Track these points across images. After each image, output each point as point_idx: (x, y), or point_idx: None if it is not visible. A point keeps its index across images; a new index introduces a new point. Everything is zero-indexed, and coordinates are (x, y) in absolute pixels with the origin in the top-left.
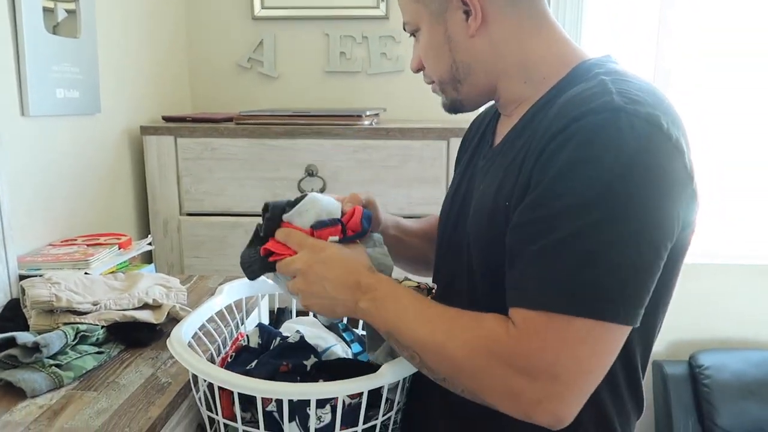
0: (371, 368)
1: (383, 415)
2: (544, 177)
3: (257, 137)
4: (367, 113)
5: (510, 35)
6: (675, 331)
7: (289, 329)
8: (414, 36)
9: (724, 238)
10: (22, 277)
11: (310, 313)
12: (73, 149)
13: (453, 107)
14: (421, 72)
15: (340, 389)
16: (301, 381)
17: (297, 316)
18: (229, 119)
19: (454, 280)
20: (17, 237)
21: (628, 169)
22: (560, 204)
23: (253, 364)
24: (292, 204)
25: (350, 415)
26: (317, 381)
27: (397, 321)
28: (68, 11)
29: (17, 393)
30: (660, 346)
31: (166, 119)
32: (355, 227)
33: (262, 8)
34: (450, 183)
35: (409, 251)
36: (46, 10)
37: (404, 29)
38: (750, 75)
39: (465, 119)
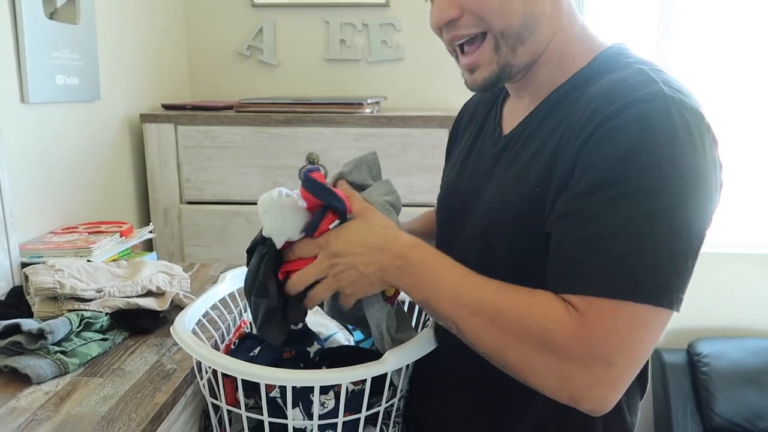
0: (374, 355)
1: (386, 402)
2: (594, 164)
3: (258, 125)
4: (368, 101)
5: (567, 5)
6: (674, 319)
7: None
8: None
9: (723, 227)
10: (24, 265)
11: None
12: (72, 136)
13: (499, 77)
14: (452, 23)
15: (344, 376)
16: (305, 368)
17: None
18: (230, 107)
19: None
20: (18, 225)
21: (682, 159)
22: (615, 191)
23: (257, 350)
24: (262, 239)
25: (353, 402)
26: (320, 368)
27: (429, 291)
28: None
29: (23, 379)
30: None
31: (166, 107)
32: (341, 196)
33: None
34: (445, 172)
35: None
36: None
37: None
38: (750, 72)
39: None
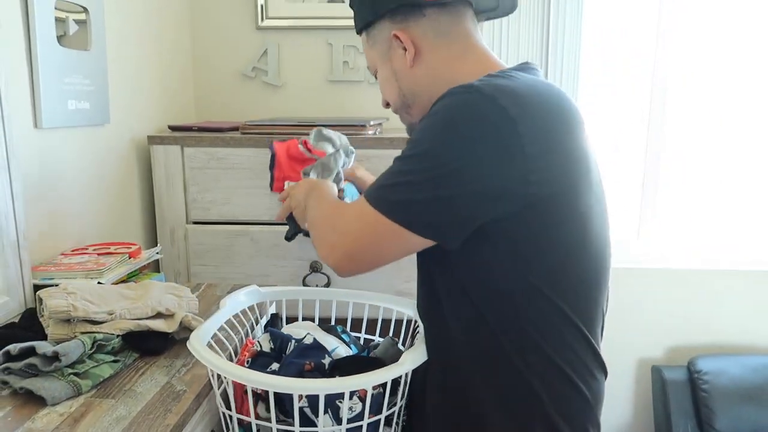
0: (377, 362)
1: (401, 401)
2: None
3: (263, 146)
4: (371, 123)
5: (442, 61)
6: (674, 336)
7: (288, 332)
8: (374, 77)
9: (723, 244)
10: (35, 287)
11: (314, 320)
12: (83, 160)
13: (411, 129)
14: (389, 108)
15: (369, 380)
16: (323, 377)
17: (287, 323)
18: (235, 128)
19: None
20: (30, 246)
21: (453, 128)
22: (407, 148)
23: (274, 365)
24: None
25: (374, 404)
26: (334, 377)
27: (312, 192)
28: (78, 22)
29: (38, 401)
30: (659, 351)
31: (173, 128)
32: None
33: (266, 18)
34: None
35: None
36: (58, 20)
37: (369, 71)
38: (747, 85)
39: None
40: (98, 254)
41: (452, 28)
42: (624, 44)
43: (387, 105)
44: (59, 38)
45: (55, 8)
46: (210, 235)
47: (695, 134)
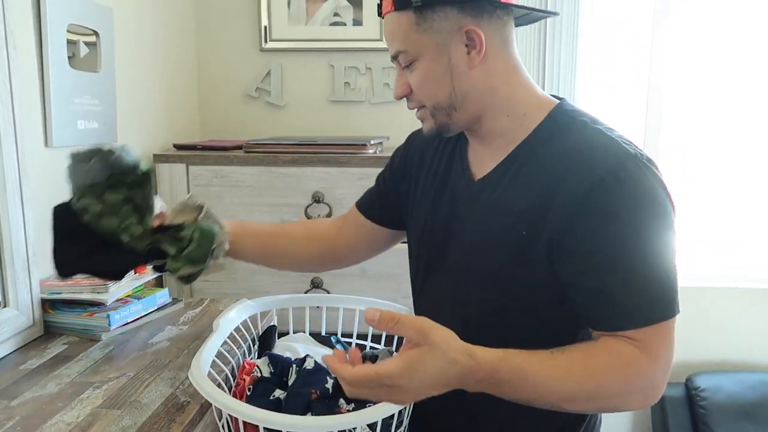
0: None
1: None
2: (597, 223)
3: (266, 165)
4: (372, 142)
5: (502, 71)
6: None
7: (284, 348)
8: (404, 66)
9: (721, 262)
10: (44, 301)
11: (305, 331)
12: None
13: (440, 131)
14: (406, 97)
15: (380, 413)
16: (327, 403)
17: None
18: (239, 147)
19: (444, 308)
20: (39, 262)
21: (658, 205)
22: (624, 244)
23: (277, 392)
24: None
25: (384, 427)
26: (338, 399)
27: (526, 392)
28: (88, 44)
29: (46, 410)
30: None
31: (178, 147)
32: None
33: (270, 40)
34: (413, 204)
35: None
36: (69, 42)
37: (395, 59)
38: (745, 91)
39: None
40: None
41: (511, 37)
42: (620, 48)
43: (404, 96)
44: (70, 60)
45: (67, 31)
46: None
47: (695, 151)
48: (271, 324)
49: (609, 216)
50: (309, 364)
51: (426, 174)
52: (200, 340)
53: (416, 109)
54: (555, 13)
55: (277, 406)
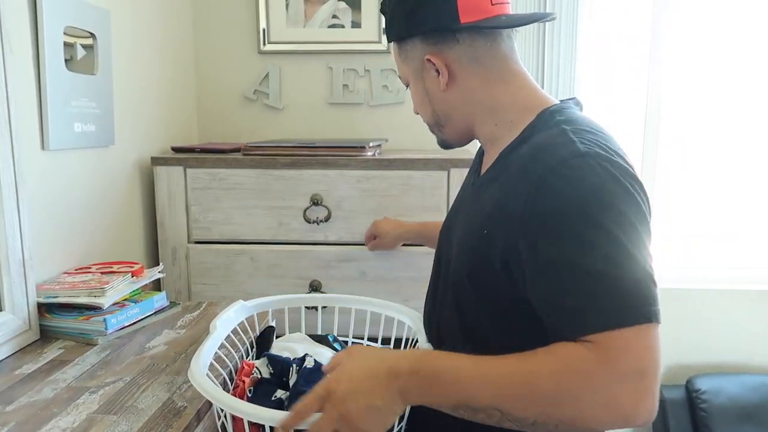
0: None
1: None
2: (540, 219)
3: (264, 167)
4: (371, 144)
5: (477, 86)
6: (672, 355)
7: (282, 348)
8: (406, 88)
9: (720, 263)
10: (40, 305)
11: (302, 331)
12: (87, 180)
13: (443, 145)
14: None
15: None
16: None
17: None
18: (237, 149)
19: (443, 306)
20: (35, 265)
21: (614, 202)
22: (573, 241)
23: (279, 392)
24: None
25: None
26: None
27: (461, 391)
28: (85, 46)
29: (42, 415)
30: None
31: (175, 149)
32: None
33: (268, 43)
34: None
35: None
36: (66, 45)
37: (400, 80)
38: (745, 95)
39: (464, 150)
40: (101, 273)
41: (488, 52)
42: (619, 44)
43: (417, 114)
44: (67, 62)
45: (64, 34)
46: (211, 254)
47: (694, 152)
48: (269, 325)
49: (552, 215)
50: (309, 363)
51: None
52: (198, 344)
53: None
54: (553, 16)
55: (279, 407)
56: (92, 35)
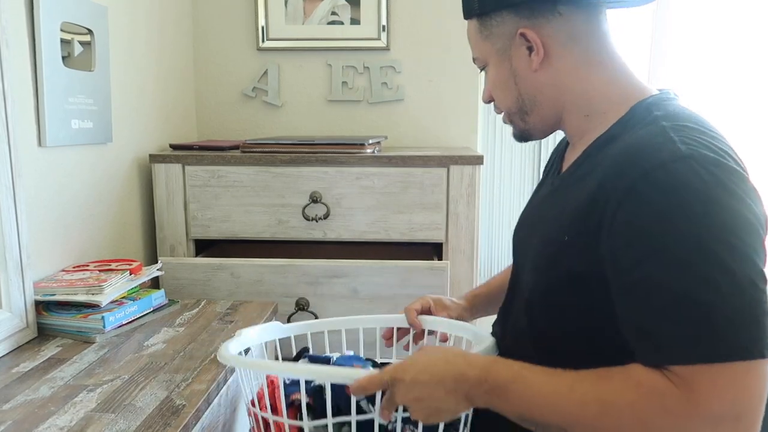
0: None
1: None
2: (631, 231)
3: (263, 165)
4: (370, 141)
5: (572, 69)
6: None
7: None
8: (483, 70)
9: None
10: (37, 303)
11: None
12: (86, 178)
13: (522, 136)
14: (492, 103)
15: None
16: None
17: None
18: (236, 147)
19: (517, 317)
20: (33, 263)
21: (720, 212)
22: (666, 258)
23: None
24: None
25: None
26: None
27: (530, 408)
28: (82, 43)
29: (39, 414)
30: None
31: (174, 147)
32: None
33: (267, 40)
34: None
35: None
36: (63, 41)
37: (474, 63)
38: (747, 98)
39: (463, 147)
40: (99, 271)
41: (587, 29)
42: (620, 43)
43: (490, 101)
44: (64, 59)
45: (61, 30)
46: (188, 270)
47: None
48: (304, 347)
49: (645, 228)
50: (349, 352)
51: (541, 180)
52: (196, 342)
53: (503, 114)
54: None
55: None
56: (89, 31)
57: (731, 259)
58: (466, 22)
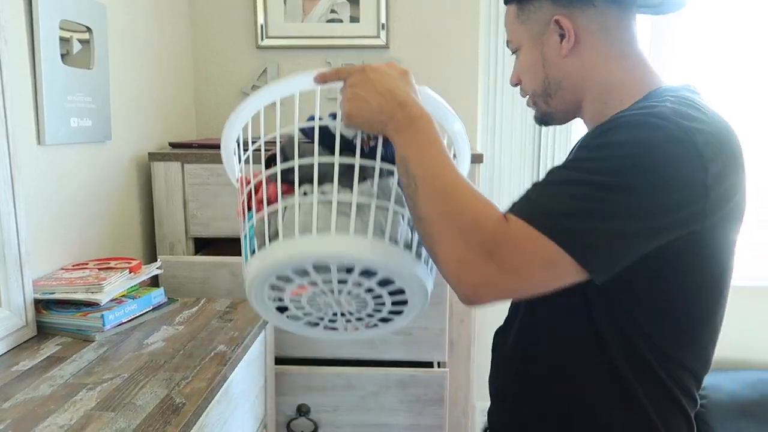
0: None
1: None
2: (581, 148)
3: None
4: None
5: (597, 58)
6: None
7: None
8: (515, 54)
9: None
10: (37, 301)
11: None
12: (85, 176)
13: (543, 119)
14: (519, 86)
15: None
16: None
17: None
18: None
19: None
20: (32, 261)
21: (642, 158)
22: (578, 165)
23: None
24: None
25: None
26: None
27: (420, 149)
28: (81, 41)
29: (40, 414)
30: None
31: (173, 145)
32: None
33: (266, 37)
34: None
35: None
36: (62, 39)
37: (507, 47)
38: (745, 95)
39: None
40: (99, 269)
41: (618, 24)
42: None
43: (517, 84)
44: (63, 57)
45: (60, 28)
46: (187, 268)
47: None
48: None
49: (589, 147)
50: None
51: None
52: (196, 341)
53: (527, 97)
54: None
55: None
56: (88, 29)
57: (616, 188)
58: (465, 21)
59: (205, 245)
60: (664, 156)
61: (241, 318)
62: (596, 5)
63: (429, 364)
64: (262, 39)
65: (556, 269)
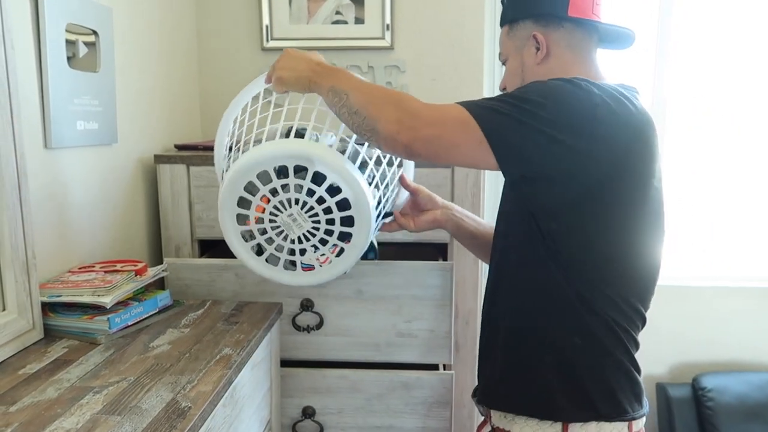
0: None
1: None
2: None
3: None
4: None
5: (563, 66)
6: (678, 353)
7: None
8: (504, 64)
9: (725, 261)
10: (43, 304)
11: None
12: (91, 178)
13: None
14: (505, 89)
15: None
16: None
17: None
18: None
19: None
20: (38, 264)
21: (548, 88)
22: (512, 93)
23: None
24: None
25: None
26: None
27: (344, 77)
28: (87, 44)
29: (46, 417)
30: (663, 368)
31: (179, 147)
32: None
33: (272, 39)
34: None
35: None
36: (68, 42)
37: (499, 59)
38: (746, 95)
39: None
40: (105, 272)
41: (580, 43)
42: (623, 52)
43: (504, 88)
44: (69, 60)
45: (66, 31)
46: (193, 270)
47: (700, 151)
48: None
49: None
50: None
51: None
52: (202, 344)
53: None
54: (629, 34)
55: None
56: (94, 32)
57: (525, 100)
58: (469, 23)
59: (210, 247)
60: (564, 90)
61: (246, 320)
62: (564, 27)
63: (434, 367)
64: (267, 41)
65: (467, 133)
